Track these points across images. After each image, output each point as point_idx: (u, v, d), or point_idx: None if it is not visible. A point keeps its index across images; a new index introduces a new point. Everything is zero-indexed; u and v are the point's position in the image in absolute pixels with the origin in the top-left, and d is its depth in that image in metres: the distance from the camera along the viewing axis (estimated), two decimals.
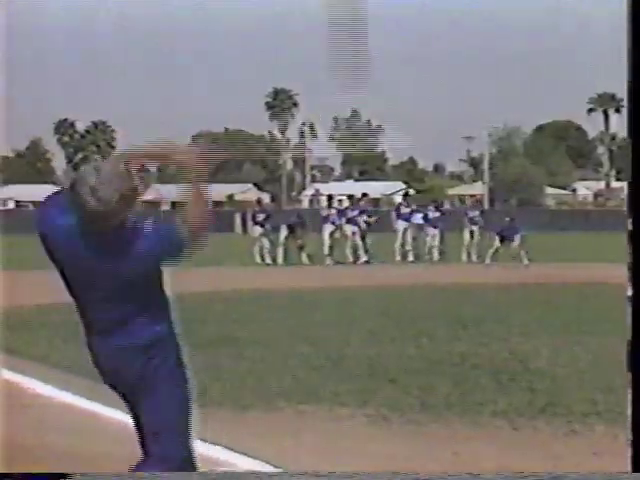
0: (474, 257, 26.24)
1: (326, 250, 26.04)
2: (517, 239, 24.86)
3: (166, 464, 4.03)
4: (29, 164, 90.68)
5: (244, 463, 5.82)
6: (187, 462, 4.10)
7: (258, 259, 25.71)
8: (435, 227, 27.47)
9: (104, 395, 4.58)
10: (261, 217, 26.51)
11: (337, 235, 26.45)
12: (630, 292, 4.37)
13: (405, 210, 28.20)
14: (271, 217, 26.75)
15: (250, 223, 27.34)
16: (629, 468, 4.45)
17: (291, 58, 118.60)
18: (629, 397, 4.42)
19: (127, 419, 4.24)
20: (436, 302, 15.03)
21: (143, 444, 4.10)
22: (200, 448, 6.14)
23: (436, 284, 18.27)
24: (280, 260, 25.73)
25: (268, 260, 25.68)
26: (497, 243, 24.95)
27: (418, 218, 27.78)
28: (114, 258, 3.88)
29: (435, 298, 15.81)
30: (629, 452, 4.41)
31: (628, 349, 4.40)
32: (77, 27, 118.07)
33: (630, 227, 4.37)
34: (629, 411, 4.42)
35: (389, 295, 16.39)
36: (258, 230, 26.22)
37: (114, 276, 3.90)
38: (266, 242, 25.93)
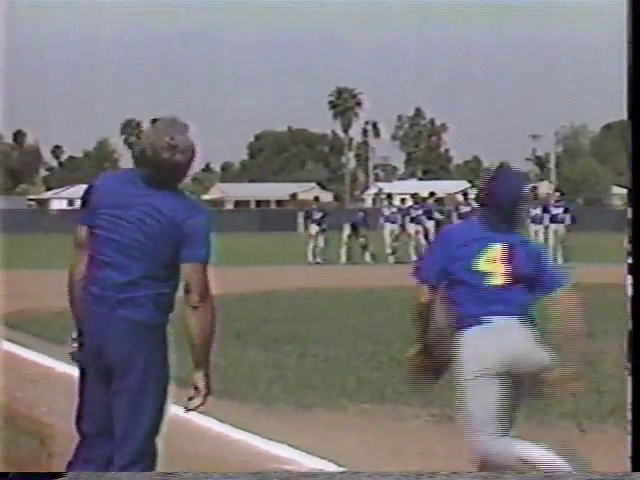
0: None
1: (389, 249, 25.92)
2: (567, 220, 24.30)
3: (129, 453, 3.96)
4: (97, 164, 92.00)
5: (307, 461, 5.81)
6: (147, 458, 4.00)
7: (310, 257, 25.42)
8: None
9: None
10: (318, 215, 26.24)
11: (399, 233, 26.31)
12: (630, 287, 4.33)
13: (465, 209, 27.87)
14: (327, 215, 26.36)
15: (308, 221, 27.08)
16: (629, 468, 4.38)
17: (355, 57, 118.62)
18: (629, 397, 4.34)
19: None
20: None
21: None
22: (263, 445, 6.20)
23: None
24: (343, 259, 25.61)
25: (318, 259, 25.35)
26: (550, 227, 24.24)
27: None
28: (151, 213, 3.94)
29: None
30: (629, 452, 4.34)
31: (628, 345, 4.33)
32: (146, 33, 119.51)
33: (630, 225, 4.33)
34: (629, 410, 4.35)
35: None
36: (314, 228, 25.95)
37: (141, 233, 3.94)
38: (321, 240, 25.73)
